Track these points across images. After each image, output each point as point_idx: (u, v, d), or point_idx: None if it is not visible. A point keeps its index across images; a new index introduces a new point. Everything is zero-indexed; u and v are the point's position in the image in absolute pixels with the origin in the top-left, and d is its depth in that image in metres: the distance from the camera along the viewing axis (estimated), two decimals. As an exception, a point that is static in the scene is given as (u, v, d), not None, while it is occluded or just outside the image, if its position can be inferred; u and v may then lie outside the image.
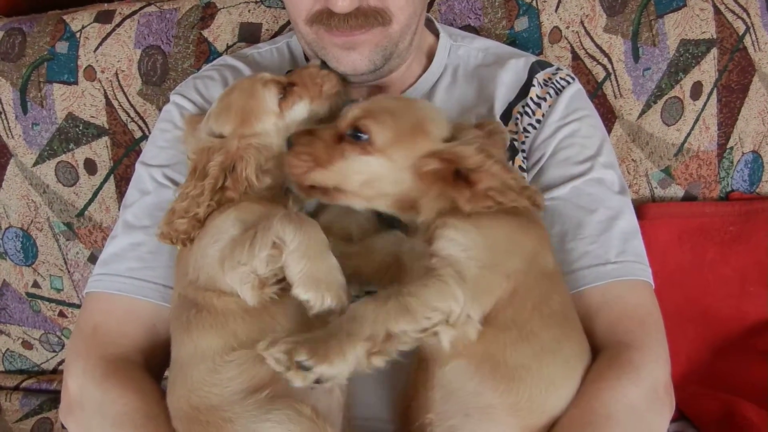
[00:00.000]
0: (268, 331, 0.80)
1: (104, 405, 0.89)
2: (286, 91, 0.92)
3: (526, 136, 1.05)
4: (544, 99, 1.07)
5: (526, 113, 1.06)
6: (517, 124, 1.06)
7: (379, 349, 0.73)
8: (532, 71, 1.10)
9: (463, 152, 0.81)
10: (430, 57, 1.13)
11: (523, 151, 1.05)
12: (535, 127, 1.06)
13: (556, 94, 1.07)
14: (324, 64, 0.97)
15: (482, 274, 0.79)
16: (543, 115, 1.06)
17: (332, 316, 0.77)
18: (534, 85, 1.09)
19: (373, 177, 0.83)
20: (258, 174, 0.87)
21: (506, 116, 1.07)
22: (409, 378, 0.88)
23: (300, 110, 0.92)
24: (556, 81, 1.09)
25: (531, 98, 1.07)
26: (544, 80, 1.09)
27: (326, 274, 0.78)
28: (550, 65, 1.13)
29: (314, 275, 0.77)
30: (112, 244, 1.01)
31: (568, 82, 1.09)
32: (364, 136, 0.82)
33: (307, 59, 1.13)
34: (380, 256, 0.88)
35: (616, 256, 0.95)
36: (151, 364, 0.97)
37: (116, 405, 0.88)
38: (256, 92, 0.91)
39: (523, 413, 0.81)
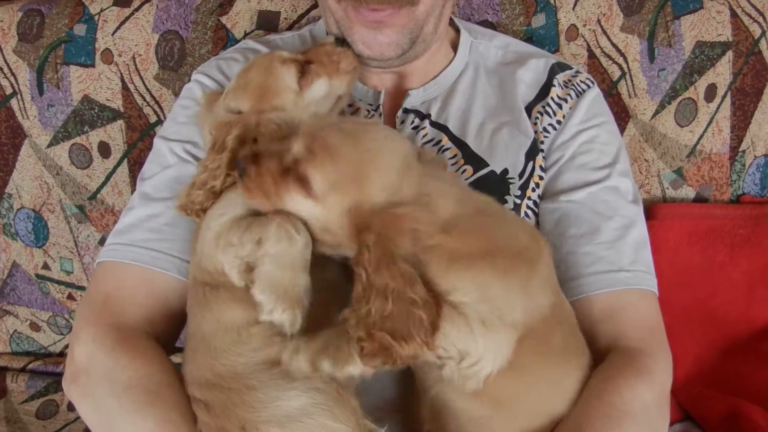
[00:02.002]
0: None
1: (114, 372, 0.87)
2: (303, 69, 0.92)
3: (546, 136, 1.06)
4: (565, 100, 1.08)
5: (547, 113, 1.07)
6: (536, 124, 1.06)
7: None
8: (552, 72, 1.11)
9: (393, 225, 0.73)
10: (453, 50, 1.14)
11: (542, 151, 1.05)
12: (555, 128, 1.06)
13: (577, 96, 1.08)
14: (339, 41, 0.97)
15: (503, 329, 0.75)
16: (564, 117, 1.07)
17: (280, 332, 0.77)
18: (554, 86, 1.09)
19: (310, 219, 0.77)
20: None
21: (527, 115, 1.08)
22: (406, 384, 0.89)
23: (319, 88, 0.92)
24: (577, 84, 1.10)
25: (552, 98, 1.08)
26: (564, 81, 1.10)
27: (290, 286, 0.76)
28: (570, 67, 1.13)
29: (278, 282, 0.76)
30: (128, 215, 1.00)
31: (588, 86, 1.11)
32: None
33: None
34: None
35: (629, 265, 0.96)
36: (162, 335, 0.96)
37: (126, 371, 0.87)
38: (275, 70, 0.91)
39: (519, 422, 0.82)
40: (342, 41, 0.98)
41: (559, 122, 1.07)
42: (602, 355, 0.91)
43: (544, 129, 1.06)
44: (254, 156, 0.79)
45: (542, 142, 1.06)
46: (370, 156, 0.75)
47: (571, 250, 0.97)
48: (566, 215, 1.00)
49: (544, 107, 1.07)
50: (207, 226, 0.84)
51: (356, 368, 0.72)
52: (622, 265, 0.96)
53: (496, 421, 0.81)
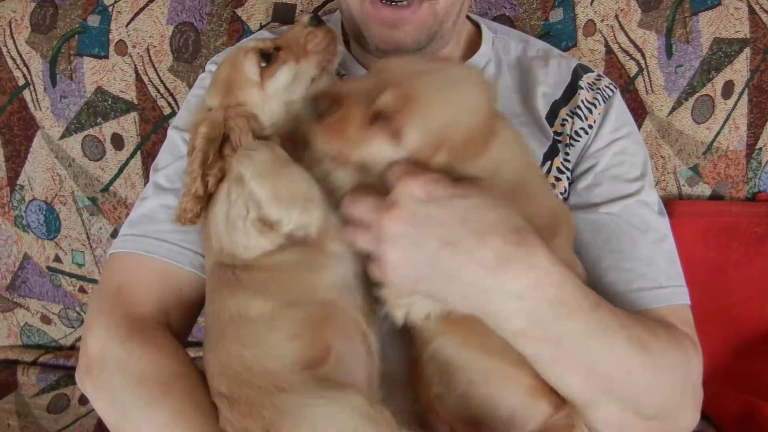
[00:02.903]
0: (314, 292, 0.80)
1: (128, 362, 0.86)
2: (271, 57, 0.88)
3: (577, 140, 1.05)
4: (594, 105, 1.07)
5: (578, 116, 1.06)
6: (563, 125, 1.05)
7: None
8: (576, 74, 1.10)
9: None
10: (470, 45, 1.13)
11: (566, 153, 1.05)
12: (587, 132, 1.06)
13: (604, 101, 1.07)
14: (313, 19, 0.92)
15: None
16: (594, 122, 1.06)
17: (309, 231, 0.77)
18: (582, 88, 1.08)
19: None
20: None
21: (552, 116, 1.07)
22: (411, 358, 0.87)
23: (283, 76, 0.88)
24: (603, 88, 1.09)
25: (582, 101, 1.07)
26: (589, 84, 1.09)
27: (288, 188, 0.76)
28: (591, 70, 1.13)
29: (276, 192, 0.76)
30: (142, 206, 0.99)
31: (613, 91, 1.10)
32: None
33: (345, 38, 1.12)
34: None
35: (666, 280, 0.96)
36: (176, 327, 0.94)
37: (141, 362, 0.86)
38: (238, 62, 0.89)
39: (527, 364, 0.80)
40: (317, 20, 0.91)
41: (590, 126, 1.06)
42: None
43: (576, 133, 1.05)
44: (336, 98, 0.79)
45: (570, 145, 1.05)
46: (459, 114, 0.78)
47: (613, 264, 0.97)
48: (605, 227, 0.99)
49: (573, 110, 1.06)
50: (216, 222, 0.83)
51: None
52: (661, 282, 0.96)
53: (508, 362, 0.80)
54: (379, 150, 0.78)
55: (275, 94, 0.88)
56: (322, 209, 0.77)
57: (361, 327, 0.81)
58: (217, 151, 0.85)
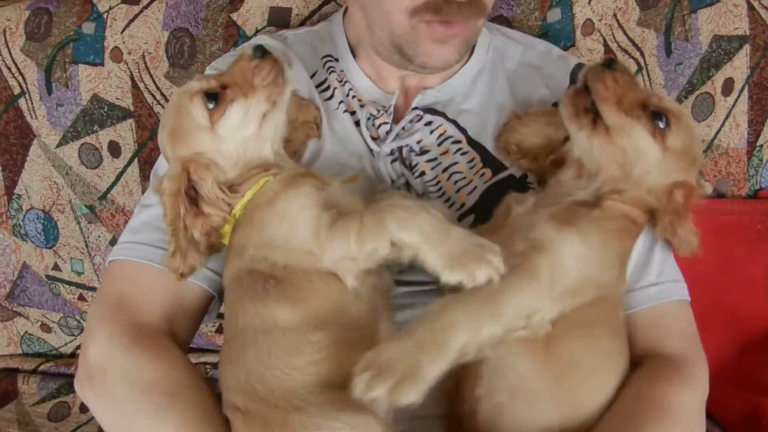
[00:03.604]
0: (345, 314, 0.79)
1: (133, 372, 0.85)
2: (218, 96, 0.85)
3: None
4: None
5: None
6: None
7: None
8: (574, 74, 1.09)
9: (697, 201, 0.89)
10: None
11: None
12: None
13: None
14: (257, 50, 0.88)
15: (580, 281, 0.81)
16: None
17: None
18: None
19: (637, 154, 0.86)
20: (223, 188, 0.85)
21: None
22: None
23: (233, 115, 0.85)
24: None
25: None
26: None
27: (461, 247, 0.75)
28: None
29: (452, 256, 0.74)
30: (143, 212, 0.98)
31: None
32: (662, 125, 0.85)
33: (352, 49, 1.10)
34: None
35: (656, 277, 0.97)
36: (178, 335, 0.94)
37: (146, 371, 0.85)
38: (183, 108, 0.86)
39: (564, 408, 0.82)
40: (262, 51, 0.87)
41: None
42: (636, 362, 0.92)
43: None
44: (628, 72, 0.88)
45: None
46: (700, 151, 0.92)
47: None
48: None
49: None
50: (271, 237, 0.82)
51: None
52: (650, 280, 0.97)
53: (551, 396, 0.81)
54: (637, 135, 0.86)
55: (229, 136, 0.85)
56: (496, 253, 0.76)
57: None
58: (190, 204, 0.84)
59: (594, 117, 0.87)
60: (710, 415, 1.29)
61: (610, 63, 0.88)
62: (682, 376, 0.89)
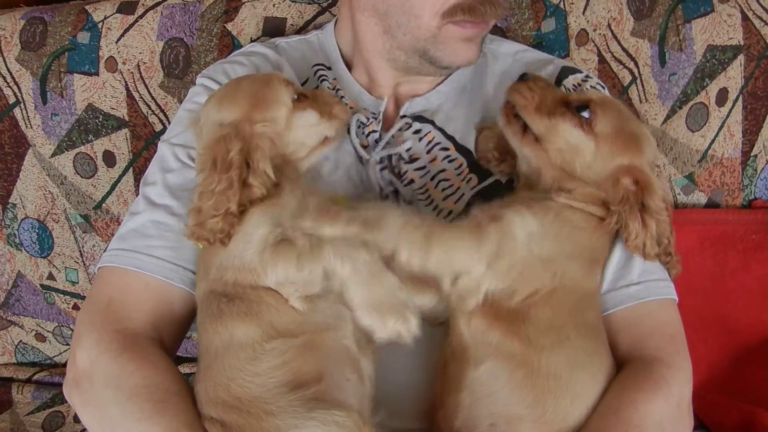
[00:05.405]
0: (305, 321, 0.79)
1: (120, 378, 0.85)
2: (300, 97, 0.91)
3: None
4: None
5: None
6: None
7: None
8: (559, 78, 1.09)
9: (655, 188, 0.85)
10: None
11: None
12: None
13: None
14: (339, 92, 0.97)
15: (530, 260, 0.82)
16: None
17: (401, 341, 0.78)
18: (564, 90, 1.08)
19: (573, 149, 0.88)
20: (269, 169, 0.85)
21: None
22: (437, 380, 0.87)
23: (309, 116, 0.91)
24: (587, 89, 1.08)
25: None
26: (573, 86, 1.08)
27: (386, 295, 0.78)
28: (579, 71, 1.12)
29: (374, 299, 0.77)
30: (132, 220, 0.98)
31: (599, 91, 1.09)
32: (586, 115, 0.88)
33: (344, 58, 1.11)
34: None
35: (638, 277, 0.95)
36: (166, 342, 0.94)
37: (133, 378, 0.85)
38: (272, 83, 0.90)
39: (548, 426, 0.81)
40: (342, 96, 0.98)
41: None
42: (620, 364, 0.90)
43: None
44: (544, 80, 0.92)
45: None
46: (645, 133, 0.90)
47: None
48: None
49: None
50: (229, 256, 0.83)
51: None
52: (632, 279, 0.95)
53: (534, 417, 0.81)
54: (565, 129, 0.89)
55: (298, 127, 0.89)
56: (414, 316, 0.78)
57: (352, 353, 0.81)
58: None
59: (523, 125, 0.91)
60: (705, 425, 1.29)
61: (523, 77, 0.93)
62: (655, 380, 0.87)
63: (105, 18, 1.36)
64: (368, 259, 0.79)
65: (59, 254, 1.45)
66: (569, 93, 0.91)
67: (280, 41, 1.18)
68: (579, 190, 0.87)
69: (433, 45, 1.00)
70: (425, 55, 1.01)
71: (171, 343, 0.96)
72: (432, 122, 1.06)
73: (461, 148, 1.04)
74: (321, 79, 1.09)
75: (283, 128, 0.88)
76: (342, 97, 1.07)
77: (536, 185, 0.91)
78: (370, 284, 0.78)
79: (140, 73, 1.35)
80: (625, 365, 0.90)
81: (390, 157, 1.03)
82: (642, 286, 0.94)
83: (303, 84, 1.09)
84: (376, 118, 1.04)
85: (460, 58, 1.01)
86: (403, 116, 1.06)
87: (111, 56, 1.35)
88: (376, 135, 1.04)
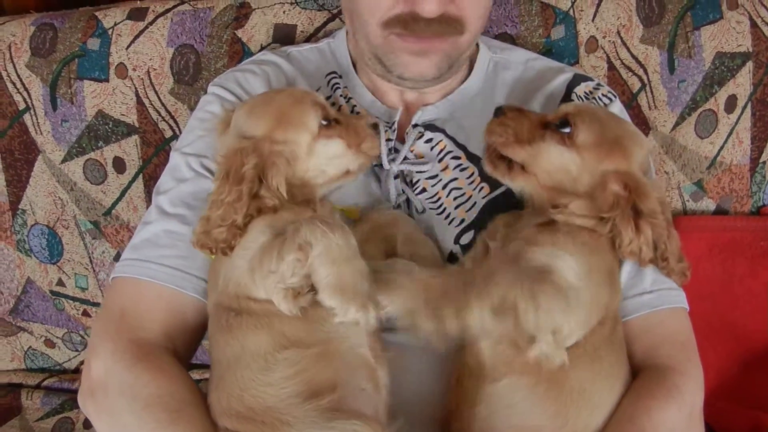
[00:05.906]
0: (317, 329, 0.79)
1: (135, 388, 0.86)
2: (330, 123, 0.90)
3: None
4: None
5: None
6: None
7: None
8: (570, 86, 1.10)
9: (646, 191, 0.83)
10: (470, 65, 1.13)
11: None
12: None
13: None
14: (374, 127, 0.97)
15: (591, 305, 0.81)
16: None
17: (356, 326, 0.77)
18: (572, 100, 1.08)
19: (559, 167, 0.87)
20: (283, 187, 0.85)
21: None
22: (450, 394, 0.87)
23: (335, 147, 0.91)
24: (599, 97, 1.08)
25: None
26: (585, 94, 1.08)
27: (353, 280, 0.77)
28: (591, 79, 1.12)
29: (340, 281, 0.76)
30: (145, 230, 0.99)
31: (611, 99, 1.09)
32: (567, 130, 0.87)
33: (353, 64, 1.12)
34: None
35: (650, 285, 0.96)
36: (180, 351, 0.95)
37: (148, 388, 0.85)
38: (304, 103, 0.89)
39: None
40: (374, 126, 0.98)
41: None
42: (635, 372, 0.91)
43: None
44: (516, 108, 0.92)
45: None
46: (629, 134, 0.89)
47: None
48: None
49: None
50: (233, 265, 0.83)
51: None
52: (644, 287, 0.96)
53: (554, 427, 0.81)
54: (549, 148, 0.89)
55: (320, 155, 0.89)
56: (377, 310, 0.78)
57: (368, 362, 0.81)
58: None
59: (508, 161, 0.91)
60: (713, 431, 1.30)
61: (496, 112, 0.92)
62: (668, 389, 0.88)
63: (115, 24, 1.36)
64: (342, 243, 0.78)
65: (69, 260, 1.45)
66: (546, 113, 0.91)
67: (292, 50, 1.19)
68: (573, 204, 0.86)
69: (384, 54, 1.00)
70: (382, 63, 1.01)
71: (184, 352, 0.97)
72: (443, 131, 1.06)
73: (472, 157, 1.04)
74: (334, 87, 1.10)
75: (304, 153, 0.88)
76: (354, 105, 1.07)
77: (537, 204, 0.91)
78: (339, 266, 0.77)
79: (150, 79, 1.35)
80: (639, 373, 0.91)
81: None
82: (655, 295, 0.95)
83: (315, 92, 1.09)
84: (390, 127, 1.05)
85: (410, 70, 1.00)
86: (416, 125, 1.06)
87: (121, 63, 1.35)
88: (391, 144, 1.04)
